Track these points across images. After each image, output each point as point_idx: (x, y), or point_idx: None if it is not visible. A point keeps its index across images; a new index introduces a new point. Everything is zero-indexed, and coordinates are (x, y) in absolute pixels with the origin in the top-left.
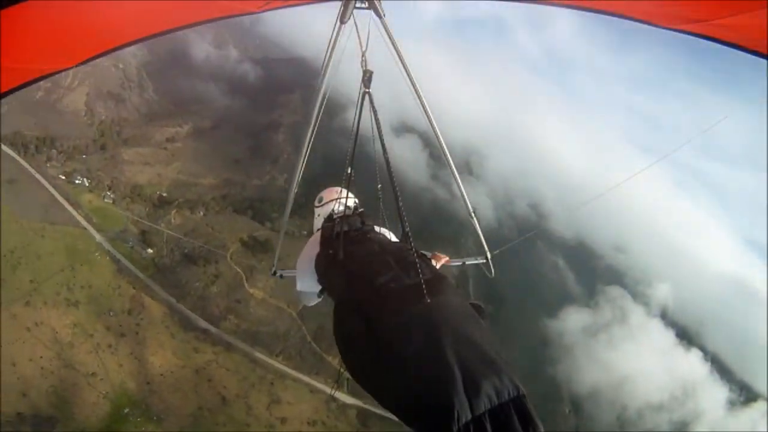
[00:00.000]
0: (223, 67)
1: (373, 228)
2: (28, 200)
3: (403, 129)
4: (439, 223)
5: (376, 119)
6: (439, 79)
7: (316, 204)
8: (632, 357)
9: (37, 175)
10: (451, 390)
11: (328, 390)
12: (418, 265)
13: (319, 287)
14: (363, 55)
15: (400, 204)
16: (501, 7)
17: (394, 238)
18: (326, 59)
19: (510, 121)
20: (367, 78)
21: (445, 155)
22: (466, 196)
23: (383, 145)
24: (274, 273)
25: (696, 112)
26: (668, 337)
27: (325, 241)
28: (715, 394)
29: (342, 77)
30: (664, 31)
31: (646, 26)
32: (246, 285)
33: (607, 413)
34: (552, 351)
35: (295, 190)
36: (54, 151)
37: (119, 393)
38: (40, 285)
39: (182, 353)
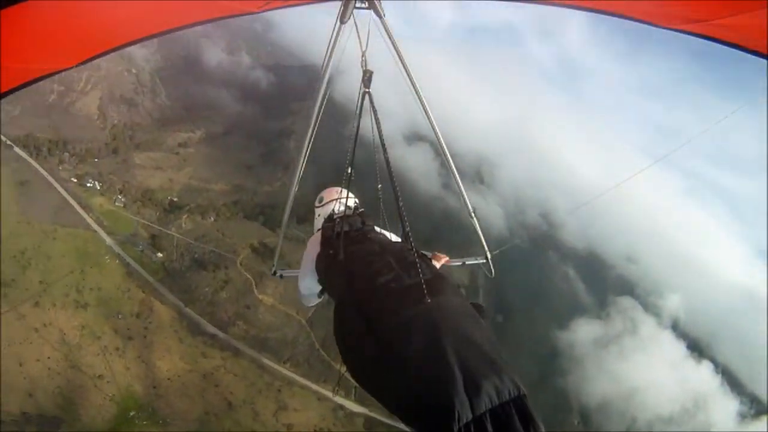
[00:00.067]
0: (235, 73)
1: (374, 228)
2: (39, 202)
3: (415, 138)
4: (450, 232)
5: (376, 119)
6: (451, 88)
7: (317, 204)
8: (643, 368)
9: (49, 178)
10: (452, 390)
11: (335, 398)
12: (418, 265)
13: (320, 287)
14: (363, 55)
15: (401, 204)
16: (512, 15)
17: (395, 239)
18: (326, 59)
19: (522, 130)
20: (367, 78)
21: (445, 154)
22: (466, 196)
23: (383, 145)
24: (275, 273)
25: (709, 120)
26: (679, 348)
27: (325, 241)
28: (725, 407)
29: (355, 84)
30: (674, 37)
31: (657, 32)
32: (255, 291)
33: (616, 425)
34: (562, 362)
35: (296, 190)
36: (66, 154)
37: (125, 396)
38: (49, 286)
39: (190, 358)
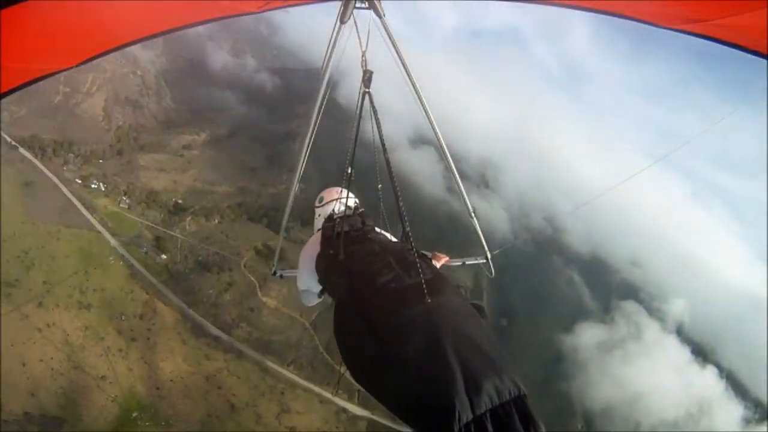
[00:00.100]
0: (240, 76)
1: (374, 228)
2: (44, 202)
3: (420, 141)
4: (455, 235)
5: (376, 119)
6: (455, 91)
7: (317, 204)
8: (647, 373)
9: (54, 179)
10: (452, 390)
11: (338, 401)
12: (418, 265)
13: (320, 287)
14: (363, 55)
15: (401, 204)
16: (515, 18)
17: (394, 239)
18: (326, 59)
19: (526, 133)
20: (367, 78)
21: (445, 154)
22: (466, 196)
23: (383, 145)
24: (274, 273)
25: (711, 121)
26: (683, 353)
27: (325, 241)
28: (730, 412)
29: (357, 85)
30: (675, 39)
31: (659, 34)
32: (259, 293)
33: (620, 430)
34: (566, 366)
35: (296, 189)
36: (71, 155)
37: (128, 397)
38: (53, 287)
39: (193, 360)
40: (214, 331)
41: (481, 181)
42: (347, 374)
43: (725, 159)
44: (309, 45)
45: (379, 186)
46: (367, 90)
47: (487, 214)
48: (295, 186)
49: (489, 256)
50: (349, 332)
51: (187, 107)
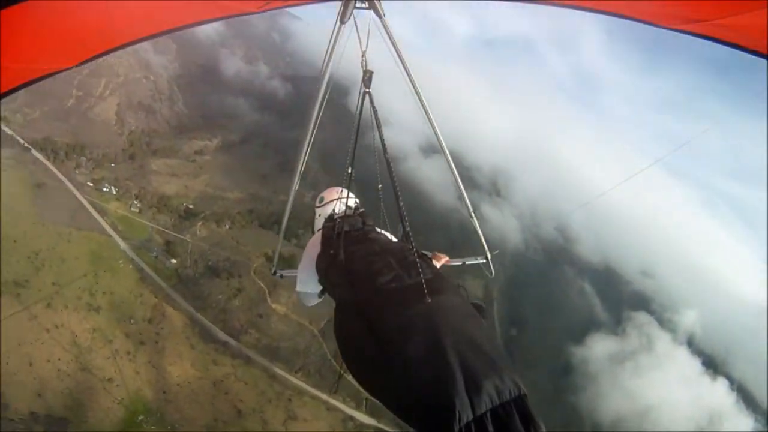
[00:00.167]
0: (253, 82)
1: (374, 228)
2: (55, 205)
3: (431, 150)
4: (467, 244)
5: (377, 118)
6: (467, 100)
7: (317, 204)
8: (657, 385)
9: (66, 181)
10: (452, 390)
11: (346, 409)
12: (418, 265)
13: (320, 287)
14: (363, 55)
15: (401, 204)
16: (528, 28)
17: (395, 239)
18: (326, 59)
19: (538, 143)
20: (367, 78)
21: (445, 154)
22: (466, 196)
23: (383, 145)
24: (275, 273)
25: (725, 132)
26: (694, 365)
27: (325, 241)
28: (740, 425)
29: (378, 97)
30: (689, 49)
31: (673, 44)
32: (269, 300)
33: None
34: (576, 378)
35: (296, 188)
36: (83, 158)
37: (134, 400)
38: (62, 288)
39: (201, 364)
40: (223, 336)
41: (493, 189)
42: (347, 374)
43: (739, 169)
44: (321, 52)
45: (380, 186)
46: (367, 90)
47: (499, 222)
48: (296, 185)
49: (489, 256)
50: (350, 332)
51: (199, 113)
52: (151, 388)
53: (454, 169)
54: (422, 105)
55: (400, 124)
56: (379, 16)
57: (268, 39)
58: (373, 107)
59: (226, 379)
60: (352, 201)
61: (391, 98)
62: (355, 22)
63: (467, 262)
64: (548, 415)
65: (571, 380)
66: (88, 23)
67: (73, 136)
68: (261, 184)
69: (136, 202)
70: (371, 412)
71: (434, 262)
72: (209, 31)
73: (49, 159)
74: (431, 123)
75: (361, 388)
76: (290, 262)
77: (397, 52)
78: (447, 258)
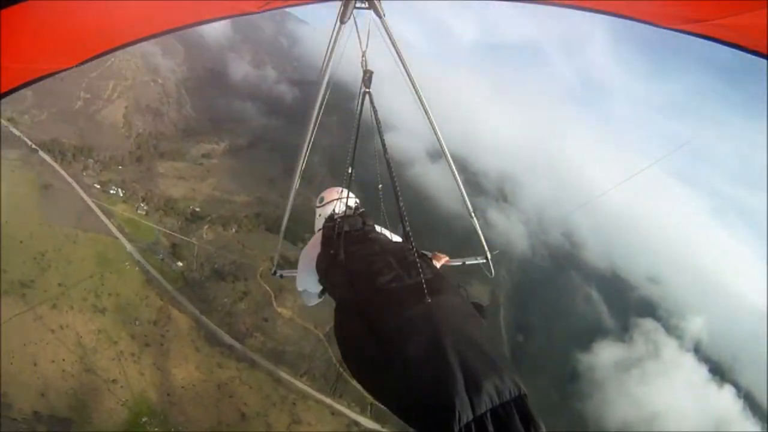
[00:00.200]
0: (260, 87)
1: (374, 228)
2: (62, 206)
3: (439, 155)
4: (473, 252)
5: (377, 119)
6: (475, 106)
7: (317, 204)
8: (664, 392)
9: (73, 183)
10: (452, 390)
11: (350, 414)
12: (418, 265)
13: (320, 287)
14: (363, 55)
15: (401, 204)
16: (536, 33)
17: (396, 239)
18: (326, 59)
19: (545, 148)
20: (367, 78)
21: (445, 153)
22: (466, 197)
23: (383, 145)
24: (275, 273)
25: (734, 138)
26: (701, 372)
27: (326, 241)
28: None
29: (385, 102)
30: (697, 55)
31: (680, 50)
32: (274, 303)
33: None
34: (582, 385)
35: (296, 188)
36: (91, 160)
37: (138, 401)
38: (68, 289)
39: (205, 367)
40: (228, 339)
41: (500, 195)
42: (347, 374)
43: (747, 175)
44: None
45: (380, 186)
46: (367, 90)
47: (506, 228)
48: (296, 185)
49: (489, 256)
50: (350, 332)
51: (207, 116)
52: (156, 390)
53: (454, 169)
54: (422, 104)
55: (408, 130)
56: (379, 16)
57: (275, 43)
58: (373, 107)
59: (231, 383)
60: (353, 201)
61: (398, 103)
62: (355, 22)
63: (467, 262)
64: (554, 422)
65: (578, 387)
66: (88, 23)
67: (81, 138)
68: (268, 188)
69: (142, 205)
70: (376, 417)
71: (434, 262)
72: (217, 34)
73: (56, 160)
74: (430, 122)
75: (361, 389)
76: (296, 266)
77: (397, 52)
78: (447, 258)
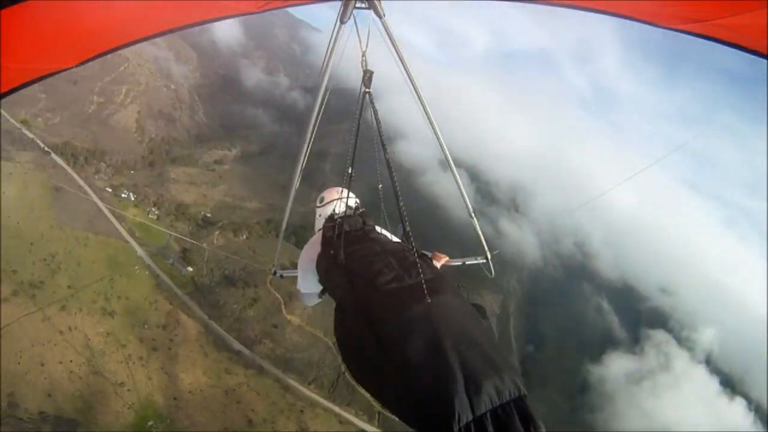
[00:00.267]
0: (273, 93)
1: (374, 228)
2: (73, 209)
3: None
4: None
5: (377, 119)
6: (486, 115)
7: (318, 204)
8: (675, 405)
9: (85, 186)
10: (452, 390)
11: (358, 422)
12: (418, 265)
13: (320, 287)
14: (363, 55)
15: (401, 204)
16: (547, 41)
17: (395, 239)
18: (326, 59)
19: (557, 158)
20: (367, 78)
21: (444, 153)
22: (466, 197)
23: (383, 145)
24: (274, 273)
25: (745, 147)
26: (712, 384)
27: (326, 242)
28: None
29: (390, 108)
30: (708, 63)
31: (692, 59)
32: (284, 310)
33: None
34: (592, 397)
35: (296, 187)
36: (103, 164)
37: (145, 405)
38: (77, 291)
39: (213, 373)
40: (237, 345)
41: (512, 205)
42: (347, 374)
43: (761, 185)
44: (341, 65)
45: (380, 186)
46: (367, 90)
47: (517, 238)
48: (296, 184)
49: (489, 256)
50: (350, 332)
51: (219, 122)
52: (163, 394)
53: (454, 168)
54: (421, 104)
55: (420, 139)
56: (379, 16)
57: (288, 51)
58: (373, 107)
59: (239, 388)
60: (353, 201)
61: (411, 111)
62: (356, 22)
63: (467, 262)
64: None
65: (588, 399)
66: (88, 23)
67: (94, 142)
68: (280, 195)
69: (154, 209)
70: (384, 426)
71: (434, 262)
72: (230, 41)
73: (68, 164)
74: (430, 121)
75: (364, 391)
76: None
77: (397, 52)
78: (447, 258)
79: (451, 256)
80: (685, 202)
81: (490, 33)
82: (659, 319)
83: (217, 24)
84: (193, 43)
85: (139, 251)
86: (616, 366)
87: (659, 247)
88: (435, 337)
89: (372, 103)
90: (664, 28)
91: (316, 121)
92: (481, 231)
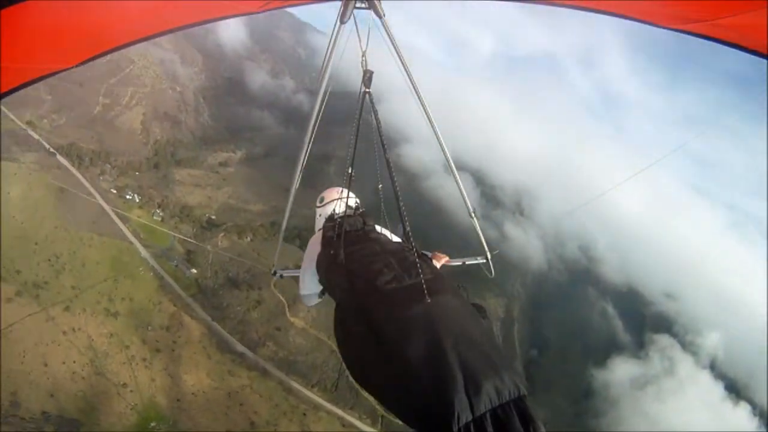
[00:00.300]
0: (278, 96)
1: (374, 228)
2: (78, 210)
3: (455, 167)
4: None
5: (377, 119)
6: (492, 119)
7: (318, 204)
8: (679, 410)
9: (90, 187)
10: (452, 390)
11: (362, 426)
12: (418, 265)
13: (320, 287)
14: (363, 55)
15: (401, 204)
16: (553, 46)
17: (395, 239)
18: (326, 59)
19: (562, 162)
20: (367, 78)
21: (444, 152)
22: (466, 197)
23: (383, 145)
24: (274, 273)
25: (750, 151)
26: (717, 389)
27: (326, 242)
28: None
29: (394, 111)
30: (716, 68)
31: (697, 62)
32: (288, 313)
33: None
34: (596, 402)
35: (296, 187)
36: (108, 165)
37: (148, 406)
38: (81, 292)
39: (216, 375)
40: (240, 347)
41: (517, 209)
42: (347, 373)
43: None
44: (345, 68)
45: (380, 186)
46: (367, 90)
47: (522, 242)
48: (296, 184)
49: (489, 256)
50: (349, 332)
51: (224, 125)
52: (166, 395)
53: (454, 168)
54: (421, 103)
55: (425, 143)
56: (379, 16)
57: (293, 53)
58: (373, 107)
59: (242, 391)
60: (353, 201)
61: (416, 116)
62: (356, 22)
63: (467, 262)
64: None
65: (592, 404)
66: (88, 23)
67: (99, 144)
68: (284, 197)
69: (158, 211)
70: (387, 430)
71: (434, 262)
72: (235, 44)
73: (73, 165)
74: (430, 120)
75: (362, 390)
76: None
77: (397, 53)
78: (447, 258)
79: (453, 258)
80: (690, 206)
81: (497, 37)
82: (664, 324)
83: (222, 27)
84: (198, 46)
85: (144, 253)
86: (621, 370)
87: (664, 252)
88: (435, 337)
89: (372, 103)
90: (665, 28)
91: (316, 121)
92: (484, 233)
